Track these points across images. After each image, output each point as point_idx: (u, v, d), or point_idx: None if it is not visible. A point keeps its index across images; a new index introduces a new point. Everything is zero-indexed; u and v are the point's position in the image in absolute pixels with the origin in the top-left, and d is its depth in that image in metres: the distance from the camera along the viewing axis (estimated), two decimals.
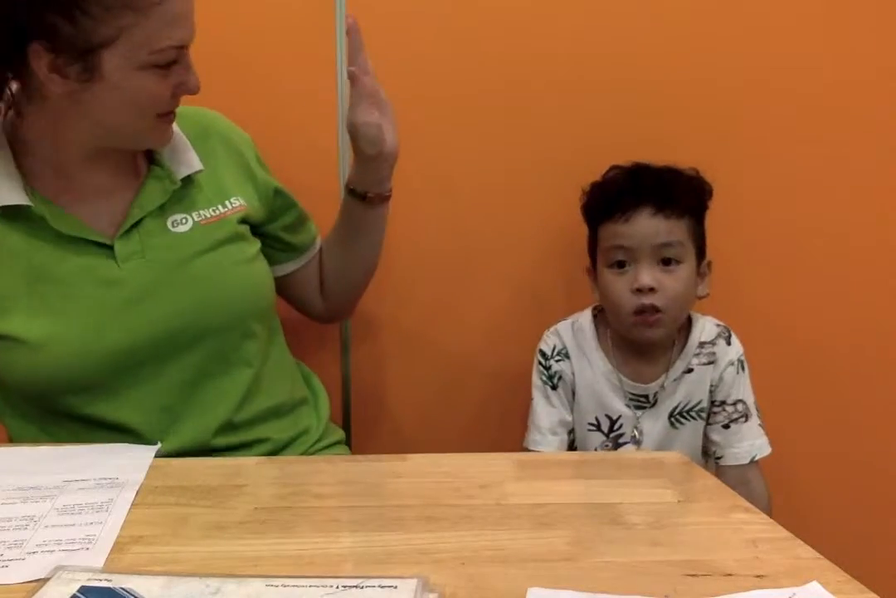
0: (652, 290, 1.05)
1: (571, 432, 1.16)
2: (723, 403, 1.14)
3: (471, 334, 1.24)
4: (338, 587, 0.51)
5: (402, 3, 1.16)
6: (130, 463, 0.74)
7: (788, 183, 1.26)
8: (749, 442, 1.13)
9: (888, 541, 1.36)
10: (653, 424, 1.14)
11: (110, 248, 0.86)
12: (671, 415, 1.13)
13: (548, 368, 1.16)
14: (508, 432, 1.27)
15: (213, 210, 0.93)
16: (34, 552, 0.56)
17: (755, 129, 1.24)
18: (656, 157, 1.11)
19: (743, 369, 1.14)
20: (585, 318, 1.17)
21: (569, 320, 1.18)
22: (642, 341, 1.11)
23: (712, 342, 1.14)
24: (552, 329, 1.18)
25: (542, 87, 1.20)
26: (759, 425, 1.14)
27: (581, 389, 1.15)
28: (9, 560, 0.55)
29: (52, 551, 0.56)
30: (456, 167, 1.21)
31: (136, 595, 0.49)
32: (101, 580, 0.51)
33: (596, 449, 1.14)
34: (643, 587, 0.53)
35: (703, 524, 0.65)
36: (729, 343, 1.14)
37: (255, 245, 0.98)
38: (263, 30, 1.14)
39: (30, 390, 0.86)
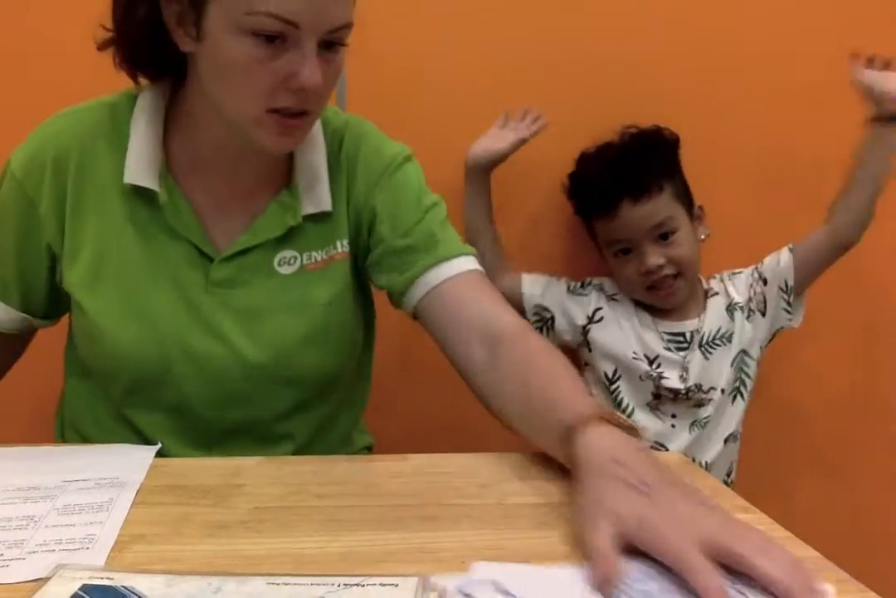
0: (660, 267, 1.12)
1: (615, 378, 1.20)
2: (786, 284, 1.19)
3: None
4: (339, 586, 0.51)
5: None
6: (130, 463, 0.74)
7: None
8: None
9: (888, 541, 1.36)
10: (692, 361, 1.19)
11: (209, 265, 0.83)
12: (701, 345, 1.18)
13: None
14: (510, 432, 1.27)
15: (325, 252, 0.86)
16: (34, 552, 0.56)
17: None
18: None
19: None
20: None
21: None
22: (666, 308, 1.19)
23: (729, 277, 1.23)
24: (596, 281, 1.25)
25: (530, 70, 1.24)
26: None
27: (620, 323, 1.20)
28: (9, 560, 0.55)
29: (53, 550, 0.56)
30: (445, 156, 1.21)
31: (138, 593, 0.49)
32: (102, 578, 0.51)
33: (640, 378, 1.18)
34: None
35: None
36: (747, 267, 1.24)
37: (354, 305, 0.90)
38: None
39: (86, 362, 0.87)
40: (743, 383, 1.21)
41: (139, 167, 0.80)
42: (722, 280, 1.24)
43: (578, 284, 1.24)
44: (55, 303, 0.89)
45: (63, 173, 0.82)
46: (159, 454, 0.77)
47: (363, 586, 0.51)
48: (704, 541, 0.49)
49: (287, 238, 0.85)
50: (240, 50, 0.72)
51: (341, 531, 0.61)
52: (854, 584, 0.54)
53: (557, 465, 0.71)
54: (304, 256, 0.86)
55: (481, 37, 1.22)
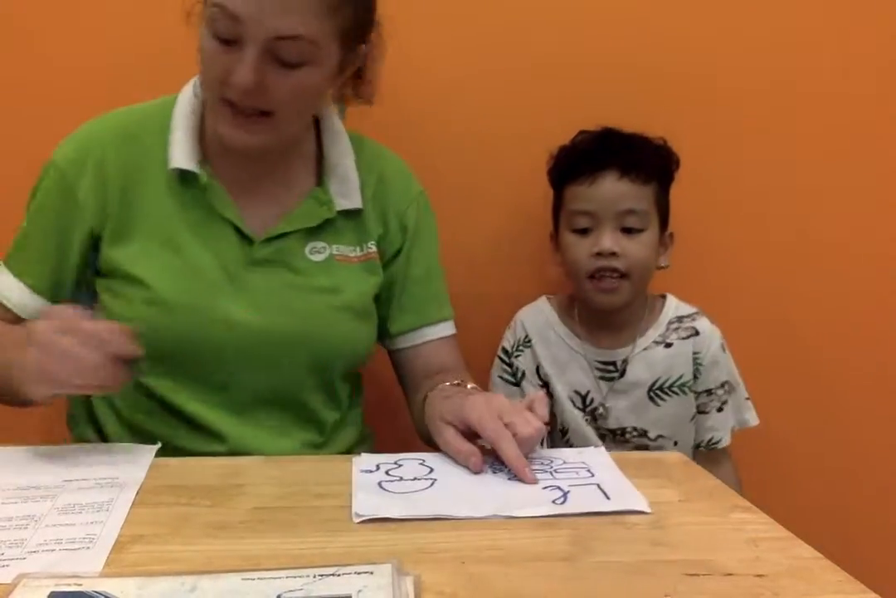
0: (613, 254, 1.05)
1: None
2: (709, 391, 1.14)
3: (473, 333, 1.23)
4: (314, 577, 0.51)
5: None
6: (130, 463, 0.74)
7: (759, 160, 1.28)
8: (735, 416, 1.15)
9: (888, 541, 1.37)
10: (625, 398, 1.12)
11: (249, 245, 0.90)
12: (650, 390, 1.12)
13: (510, 365, 1.17)
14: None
15: (359, 249, 0.96)
16: (35, 552, 0.56)
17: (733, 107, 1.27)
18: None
19: (725, 350, 1.15)
20: (550, 298, 1.19)
21: (530, 305, 1.19)
22: (602, 307, 1.10)
23: (691, 317, 1.14)
24: (511, 323, 1.19)
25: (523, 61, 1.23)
26: (746, 398, 1.16)
27: (550, 368, 1.14)
28: (9, 560, 0.55)
29: (53, 550, 0.56)
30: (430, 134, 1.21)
31: (111, 597, 0.48)
32: (70, 584, 0.50)
33: (587, 421, 1.13)
34: (643, 586, 0.53)
35: (703, 523, 0.65)
36: (711, 322, 1.14)
37: (372, 300, 0.98)
38: None
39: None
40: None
41: (181, 154, 0.88)
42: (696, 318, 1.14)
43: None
44: (75, 293, 0.94)
45: (104, 163, 0.89)
46: (169, 446, 0.80)
47: (338, 575, 0.51)
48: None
49: (319, 230, 0.93)
50: (205, 40, 0.80)
51: (341, 531, 0.61)
52: (854, 584, 0.54)
53: None
54: (333, 248, 0.94)
55: (478, 37, 1.21)
